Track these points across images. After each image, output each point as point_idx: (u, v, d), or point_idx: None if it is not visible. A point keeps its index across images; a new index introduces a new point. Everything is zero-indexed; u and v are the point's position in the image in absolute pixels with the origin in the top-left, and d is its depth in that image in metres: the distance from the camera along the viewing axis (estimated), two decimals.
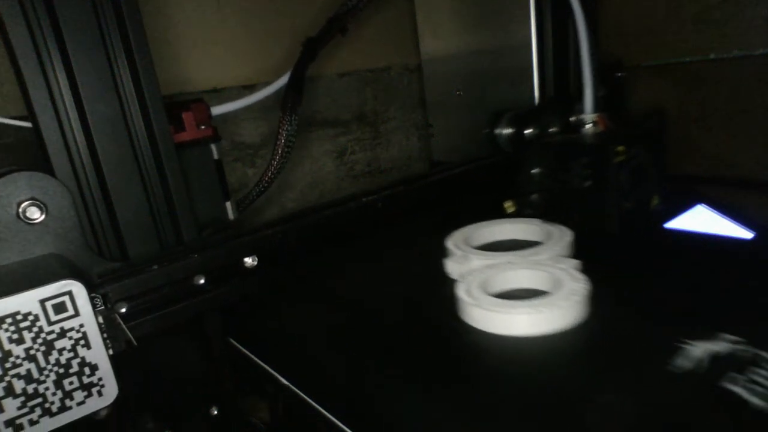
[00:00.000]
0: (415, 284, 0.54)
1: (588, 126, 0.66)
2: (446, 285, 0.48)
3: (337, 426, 0.37)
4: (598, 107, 0.67)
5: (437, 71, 0.89)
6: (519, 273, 0.48)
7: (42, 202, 0.37)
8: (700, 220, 0.80)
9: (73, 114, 0.40)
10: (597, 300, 0.43)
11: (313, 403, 0.40)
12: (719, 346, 0.36)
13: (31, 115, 0.40)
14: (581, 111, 0.67)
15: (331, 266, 0.64)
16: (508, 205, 0.67)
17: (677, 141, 0.83)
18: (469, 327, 0.43)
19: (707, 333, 0.37)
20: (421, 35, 0.89)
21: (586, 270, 0.46)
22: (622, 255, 0.57)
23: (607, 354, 0.38)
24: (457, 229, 0.58)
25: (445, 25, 0.84)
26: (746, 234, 0.77)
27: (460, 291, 0.45)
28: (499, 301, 0.43)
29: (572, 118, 0.69)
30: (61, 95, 0.40)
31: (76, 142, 0.41)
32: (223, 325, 0.49)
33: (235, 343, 0.50)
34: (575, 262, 0.47)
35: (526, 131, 0.72)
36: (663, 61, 0.82)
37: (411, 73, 0.94)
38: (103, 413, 0.38)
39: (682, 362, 0.35)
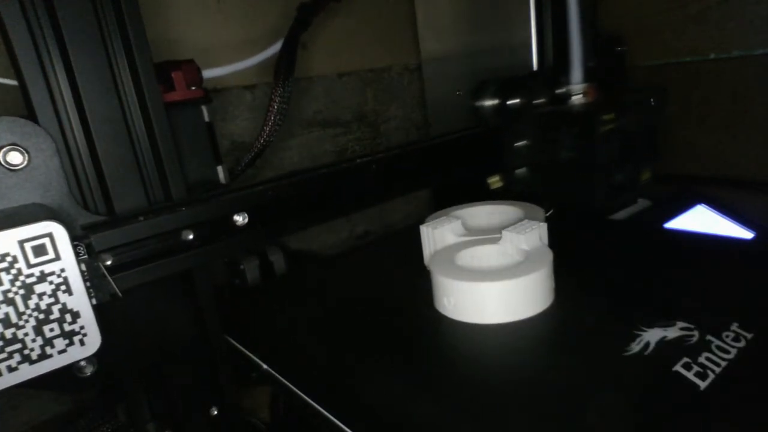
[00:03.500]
0: (405, 275, 0.55)
1: (576, 97, 0.63)
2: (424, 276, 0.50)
3: (337, 425, 0.37)
4: (587, 77, 0.63)
5: (437, 71, 0.89)
6: (487, 249, 0.50)
7: (24, 148, 0.36)
8: (700, 220, 0.80)
9: (59, 65, 0.39)
10: (564, 286, 0.47)
11: (313, 403, 0.40)
12: (672, 332, 0.39)
13: (15, 68, 0.39)
14: (569, 82, 0.64)
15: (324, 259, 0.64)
16: (494, 181, 0.65)
17: (677, 141, 0.83)
18: (442, 316, 0.46)
19: (663, 321, 0.40)
20: (421, 35, 0.89)
21: (571, 260, 0.49)
22: (609, 246, 0.58)
23: (567, 340, 0.41)
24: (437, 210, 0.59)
25: (445, 25, 0.84)
26: (746, 234, 0.77)
27: (431, 266, 0.48)
28: (467, 270, 0.47)
29: (560, 90, 0.66)
30: (49, 53, 0.39)
31: (62, 97, 0.40)
32: (212, 277, 0.48)
33: (232, 341, 0.50)
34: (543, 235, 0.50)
35: (510, 102, 0.69)
36: (663, 61, 0.83)
37: (411, 73, 0.94)
38: (88, 371, 0.38)
39: (636, 347, 0.38)
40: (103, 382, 0.39)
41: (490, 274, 0.45)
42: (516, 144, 0.63)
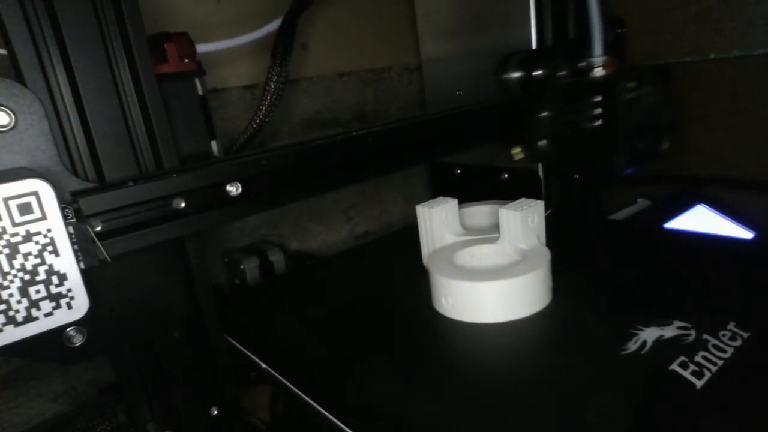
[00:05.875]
0: (404, 275, 0.56)
1: (597, 69, 0.64)
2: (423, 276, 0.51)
3: (336, 425, 0.37)
4: (606, 50, 0.64)
5: (437, 71, 0.89)
6: (485, 249, 0.51)
7: (10, 110, 0.35)
8: (700, 220, 0.80)
9: (48, 32, 0.39)
10: (562, 286, 0.47)
11: (312, 402, 0.40)
12: (669, 331, 0.39)
13: (2, 33, 0.38)
14: (590, 55, 0.65)
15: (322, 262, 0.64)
16: (516, 152, 0.66)
17: (677, 141, 0.83)
18: (441, 316, 0.47)
19: (661, 320, 0.41)
20: (421, 35, 0.89)
21: (570, 260, 0.50)
22: (609, 246, 0.58)
23: (564, 339, 0.42)
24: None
25: (445, 25, 0.84)
26: (746, 234, 0.77)
27: (429, 265, 0.48)
28: (465, 270, 0.47)
29: (581, 63, 0.67)
30: (39, 21, 0.38)
31: (53, 65, 0.39)
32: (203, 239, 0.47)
33: (232, 341, 0.50)
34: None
35: (534, 73, 0.70)
36: (663, 61, 0.82)
37: (411, 73, 0.94)
38: (78, 341, 0.37)
39: (633, 346, 0.38)
40: (92, 354, 0.39)
41: (489, 273, 0.45)
42: (539, 115, 0.64)
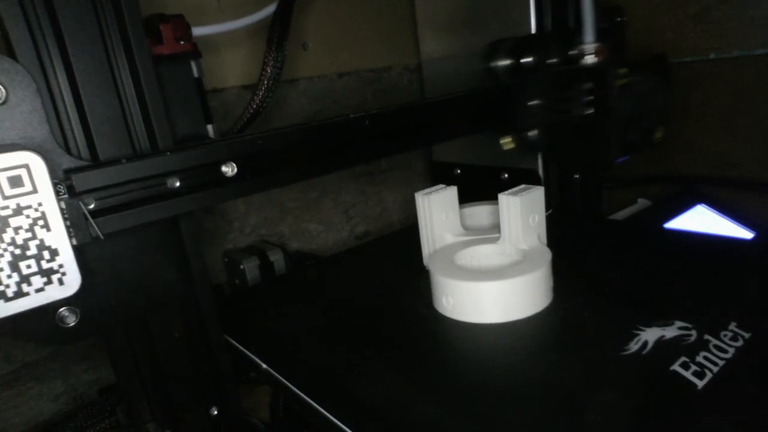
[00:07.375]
0: (405, 275, 0.56)
1: (589, 56, 0.63)
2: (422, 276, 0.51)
3: (336, 425, 0.37)
4: (599, 37, 0.63)
5: (437, 71, 0.89)
6: (486, 249, 0.51)
7: (1, 84, 0.35)
8: (700, 220, 0.80)
9: (42, 13, 0.38)
10: (563, 286, 0.47)
11: (312, 402, 0.40)
12: (670, 332, 0.39)
13: None
14: (581, 42, 0.63)
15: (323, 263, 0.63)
16: (506, 141, 0.65)
17: (677, 141, 0.83)
18: (441, 316, 0.47)
19: (662, 320, 0.41)
20: (421, 35, 0.89)
21: (571, 260, 0.50)
22: (609, 246, 0.58)
23: (565, 339, 0.42)
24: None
25: (445, 24, 0.84)
26: (746, 234, 0.77)
27: (430, 265, 0.48)
28: (466, 270, 0.47)
29: (572, 51, 0.66)
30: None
31: (46, 46, 0.38)
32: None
33: (233, 341, 0.50)
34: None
35: (523, 60, 0.68)
36: None
37: (411, 73, 0.94)
38: (71, 321, 0.37)
39: (634, 347, 0.38)
40: (85, 336, 0.39)
41: (489, 273, 0.45)
42: (529, 103, 0.63)
